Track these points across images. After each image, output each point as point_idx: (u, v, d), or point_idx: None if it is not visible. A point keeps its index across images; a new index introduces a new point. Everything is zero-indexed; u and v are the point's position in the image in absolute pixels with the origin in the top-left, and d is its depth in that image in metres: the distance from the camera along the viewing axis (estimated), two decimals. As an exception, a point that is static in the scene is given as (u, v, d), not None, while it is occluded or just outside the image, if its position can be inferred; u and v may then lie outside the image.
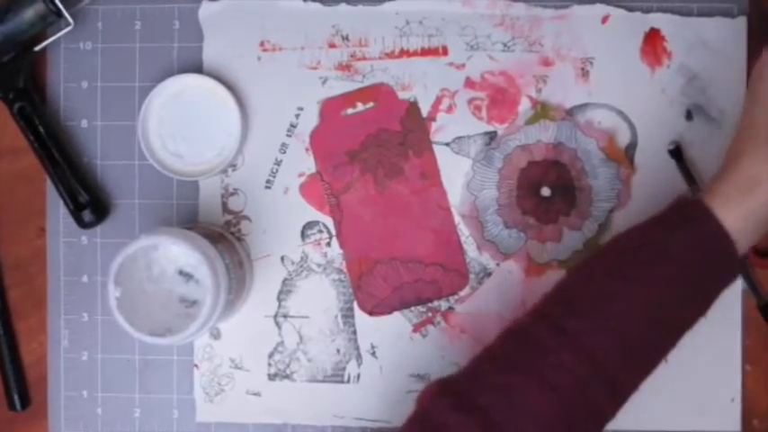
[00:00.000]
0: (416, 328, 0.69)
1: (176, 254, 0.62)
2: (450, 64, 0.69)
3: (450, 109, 0.69)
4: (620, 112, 0.69)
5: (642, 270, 0.54)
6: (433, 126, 0.69)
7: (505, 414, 0.51)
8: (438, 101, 0.69)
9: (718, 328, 0.68)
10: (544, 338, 0.53)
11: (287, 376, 0.69)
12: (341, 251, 0.69)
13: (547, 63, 0.69)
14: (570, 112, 0.69)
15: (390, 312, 0.69)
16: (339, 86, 0.69)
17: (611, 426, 0.68)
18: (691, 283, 0.55)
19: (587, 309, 0.54)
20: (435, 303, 0.69)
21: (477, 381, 0.54)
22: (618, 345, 0.53)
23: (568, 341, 0.53)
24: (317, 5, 0.69)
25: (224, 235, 0.67)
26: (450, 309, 0.69)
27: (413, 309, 0.69)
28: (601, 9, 0.69)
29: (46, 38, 0.68)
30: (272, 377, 0.69)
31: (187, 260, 0.62)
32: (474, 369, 0.56)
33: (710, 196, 0.56)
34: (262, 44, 0.70)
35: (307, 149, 0.69)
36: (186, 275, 0.63)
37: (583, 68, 0.69)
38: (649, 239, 0.56)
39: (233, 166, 0.70)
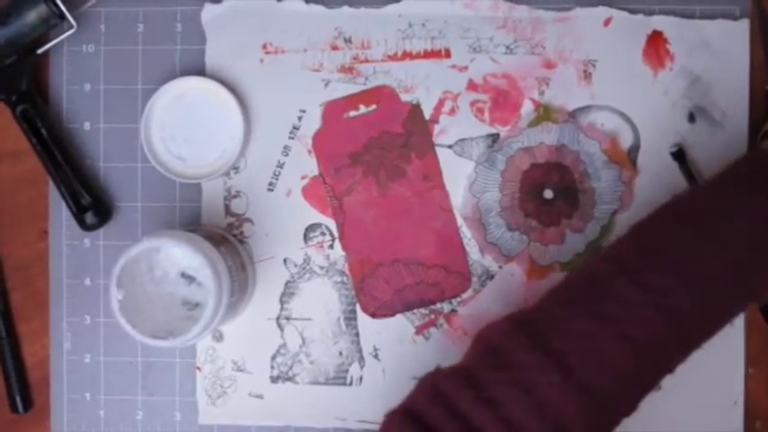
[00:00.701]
0: (419, 330, 0.69)
1: (179, 256, 0.62)
2: (453, 66, 0.69)
3: (452, 111, 0.69)
4: (622, 115, 0.69)
5: (731, 232, 0.54)
6: (436, 128, 0.69)
7: (582, 360, 0.51)
8: (440, 103, 0.69)
9: (721, 330, 0.68)
10: (627, 291, 0.52)
11: (289, 378, 0.69)
12: (343, 253, 0.69)
13: (549, 65, 0.69)
14: (573, 115, 0.69)
15: (393, 315, 0.69)
16: (342, 89, 0.69)
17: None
18: None
19: (673, 266, 0.53)
20: (438, 306, 0.69)
21: (553, 324, 0.53)
22: (698, 306, 0.52)
23: (652, 298, 0.52)
24: (320, 8, 0.69)
25: (226, 237, 0.67)
26: (453, 311, 0.69)
27: (415, 311, 0.69)
28: (603, 11, 0.69)
29: (49, 40, 0.69)
30: (274, 379, 0.69)
31: (189, 263, 0.62)
32: (549, 311, 0.54)
33: None
34: (264, 46, 0.70)
35: (309, 152, 0.69)
36: (188, 278, 0.63)
37: (585, 71, 0.69)
38: (736, 200, 0.55)
39: (235, 168, 0.70)
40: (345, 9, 0.69)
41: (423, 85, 0.69)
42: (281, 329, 0.69)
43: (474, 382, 0.51)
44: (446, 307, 0.69)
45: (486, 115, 0.69)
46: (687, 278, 0.53)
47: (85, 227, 0.69)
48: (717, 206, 0.55)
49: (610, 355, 0.51)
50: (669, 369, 0.54)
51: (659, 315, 0.52)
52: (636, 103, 0.69)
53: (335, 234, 0.69)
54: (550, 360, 0.51)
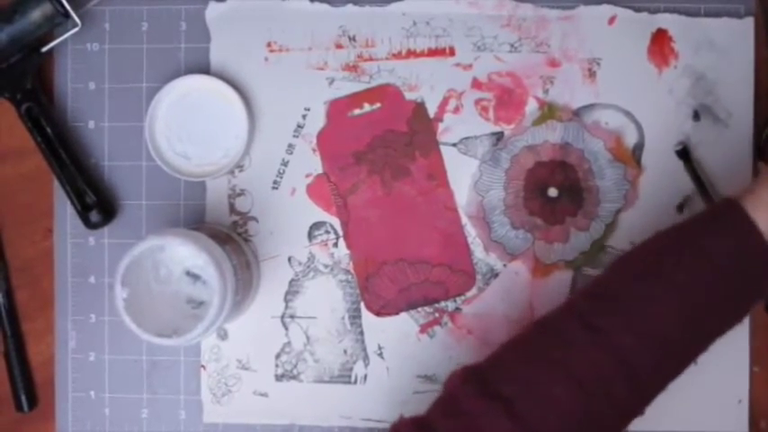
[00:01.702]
0: (423, 328, 0.69)
1: (183, 255, 0.63)
2: (457, 65, 0.69)
3: (456, 110, 0.69)
4: (627, 113, 0.69)
5: (679, 273, 0.54)
6: (440, 127, 0.69)
7: (529, 405, 0.51)
8: (445, 101, 0.69)
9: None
10: (574, 333, 0.53)
11: (294, 377, 0.69)
12: (348, 252, 0.69)
13: (554, 64, 0.69)
14: (577, 113, 0.69)
15: (397, 313, 0.69)
16: (346, 87, 0.69)
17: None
18: (727, 285, 0.54)
19: (620, 307, 0.54)
20: (442, 304, 0.69)
21: (503, 370, 0.54)
22: (648, 345, 0.53)
23: (598, 338, 0.53)
24: (324, 6, 0.69)
25: (231, 236, 0.67)
26: (457, 309, 0.69)
27: (420, 309, 0.69)
28: (608, 10, 0.69)
29: (53, 39, 0.69)
30: (279, 378, 0.69)
31: (194, 261, 0.62)
32: (501, 358, 0.56)
33: (745, 198, 0.55)
34: (269, 45, 0.70)
35: (313, 150, 0.69)
36: (193, 276, 0.64)
37: (590, 69, 0.69)
38: (687, 241, 0.56)
39: (240, 166, 0.70)
40: (350, 7, 0.69)
41: (427, 84, 0.69)
42: (286, 328, 0.69)
43: (428, 430, 0.52)
44: (450, 305, 0.69)
45: (491, 113, 0.69)
46: (635, 319, 0.53)
47: (90, 225, 0.69)
48: (663, 249, 0.56)
49: (557, 398, 0.52)
50: (628, 412, 0.54)
51: (605, 354, 0.52)
52: (640, 102, 0.68)
53: (340, 232, 0.69)
54: (499, 405, 0.51)
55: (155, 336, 0.60)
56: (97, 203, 0.69)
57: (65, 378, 0.70)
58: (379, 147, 0.69)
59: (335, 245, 0.69)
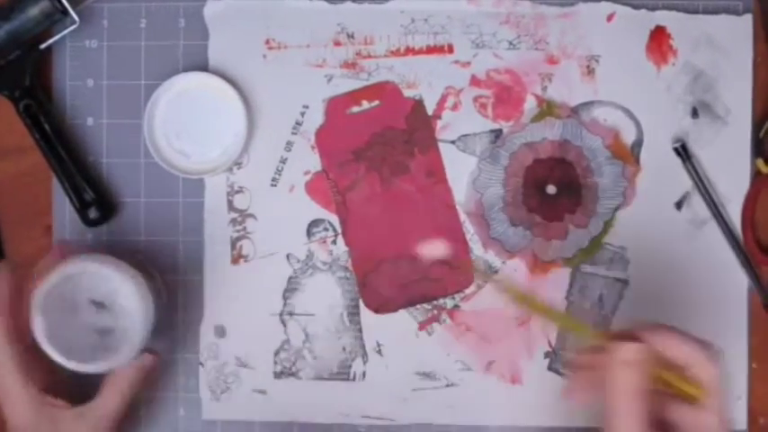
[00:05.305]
0: (422, 325, 0.69)
1: (91, 283, 0.61)
2: (456, 62, 0.69)
3: (455, 107, 0.69)
4: (625, 110, 0.69)
5: None
6: (439, 124, 0.69)
7: None
8: (443, 99, 0.69)
9: (725, 326, 0.68)
10: None
11: (293, 374, 0.69)
12: (346, 249, 0.69)
13: (552, 61, 0.69)
14: (576, 110, 0.69)
15: (396, 310, 0.69)
16: (344, 84, 0.69)
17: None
18: None
19: None
20: (441, 301, 0.69)
21: None
22: None
23: None
24: (323, 3, 0.69)
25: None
26: (456, 307, 0.69)
27: (418, 307, 0.69)
28: (606, 7, 0.69)
29: (51, 36, 0.68)
30: (278, 375, 0.69)
31: (104, 287, 0.61)
32: None
33: None
34: (267, 42, 0.70)
35: (312, 147, 0.69)
36: (98, 305, 0.62)
37: (588, 66, 0.69)
38: None
39: (238, 164, 0.70)
40: (348, 4, 0.69)
41: (425, 81, 0.69)
42: (285, 325, 0.69)
43: None
44: (449, 302, 0.69)
45: (489, 111, 0.69)
46: None
47: (89, 222, 0.69)
48: None
49: None
50: None
51: None
52: (639, 99, 0.68)
53: (338, 230, 0.69)
54: None
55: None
56: (96, 201, 0.69)
57: (63, 375, 0.70)
58: (377, 144, 0.69)
59: (334, 242, 0.69)
